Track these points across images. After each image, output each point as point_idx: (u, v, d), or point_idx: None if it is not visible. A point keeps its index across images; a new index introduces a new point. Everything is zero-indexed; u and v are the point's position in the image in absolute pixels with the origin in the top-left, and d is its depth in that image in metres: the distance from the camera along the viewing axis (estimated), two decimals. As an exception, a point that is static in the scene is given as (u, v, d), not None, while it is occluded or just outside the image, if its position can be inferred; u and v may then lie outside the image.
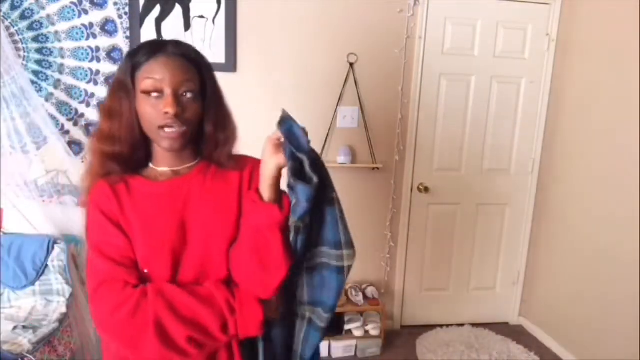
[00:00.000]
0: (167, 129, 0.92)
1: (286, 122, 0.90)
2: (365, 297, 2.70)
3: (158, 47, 0.94)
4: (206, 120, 0.99)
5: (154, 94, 0.92)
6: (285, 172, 0.91)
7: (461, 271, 2.95)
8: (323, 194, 0.91)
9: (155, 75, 0.91)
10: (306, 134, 0.91)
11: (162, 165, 1.01)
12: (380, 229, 2.79)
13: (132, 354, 0.89)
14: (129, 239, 0.94)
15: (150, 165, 1.02)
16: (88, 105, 2.40)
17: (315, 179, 0.86)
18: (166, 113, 0.91)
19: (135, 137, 0.96)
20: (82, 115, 2.41)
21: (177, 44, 0.96)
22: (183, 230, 0.96)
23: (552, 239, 2.79)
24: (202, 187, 1.00)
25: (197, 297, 0.91)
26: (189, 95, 0.94)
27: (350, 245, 0.94)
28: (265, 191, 0.93)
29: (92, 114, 2.41)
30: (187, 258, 0.96)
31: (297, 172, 0.88)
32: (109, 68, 2.39)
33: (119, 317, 0.88)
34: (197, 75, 0.96)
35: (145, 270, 0.94)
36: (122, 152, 0.96)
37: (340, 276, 0.94)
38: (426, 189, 2.78)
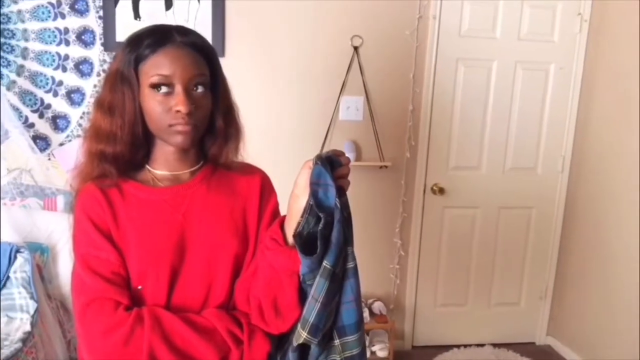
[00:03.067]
0: (176, 127, 0.94)
1: (316, 167, 0.88)
2: (371, 313, 2.70)
3: (163, 35, 0.94)
4: (216, 114, 1.01)
5: (163, 89, 0.93)
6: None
7: (481, 284, 2.95)
8: (339, 261, 0.89)
9: (164, 70, 0.93)
10: (343, 175, 0.90)
11: (161, 168, 1.03)
12: (389, 235, 2.79)
13: None
14: (121, 252, 0.96)
15: (147, 167, 1.03)
16: (55, 94, 2.40)
17: (318, 250, 0.87)
18: (178, 111, 0.93)
19: (138, 136, 0.97)
20: (48, 106, 2.41)
21: (182, 30, 0.97)
22: (182, 245, 0.98)
23: (585, 247, 2.79)
24: (206, 198, 1.02)
25: (197, 330, 0.93)
26: (200, 89, 0.96)
27: (358, 327, 0.93)
28: (291, 231, 0.92)
29: (59, 105, 2.41)
30: (185, 276, 0.98)
31: (312, 226, 0.89)
32: (79, 52, 2.39)
33: (110, 342, 0.90)
34: (207, 67, 0.98)
35: (139, 287, 0.96)
36: (121, 153, 0.97)
37: None
38: (441, 190, 2.78)
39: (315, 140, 2.58)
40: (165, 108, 0.93)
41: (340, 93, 2.58)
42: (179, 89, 0.93)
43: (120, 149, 0.97)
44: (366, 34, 2.55)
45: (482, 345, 2.94)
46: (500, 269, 2.95)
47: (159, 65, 0.93)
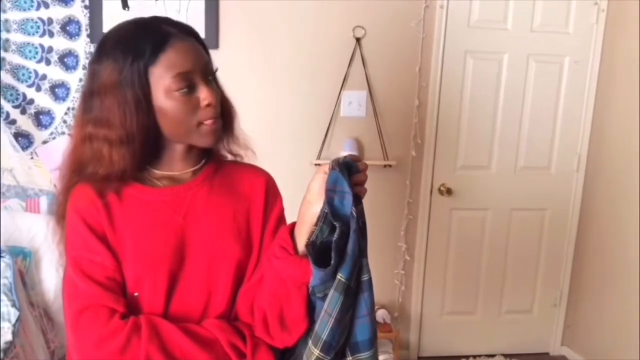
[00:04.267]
0: (207, 122, 0.95)
1: (333, 172, 0.88)
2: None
3: (157, 31, 0.94)
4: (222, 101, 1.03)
5: (184, 88, 0.93)
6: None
7: (491, 291, 2.95)
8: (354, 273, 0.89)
9: (183, 67, 0.92)
10: (360, 182, 0.90)
11: (162, 168, 1.02)
12: (393, 239, 2.79)
13: None
14: (117, 256, 0.95)
15: (147, 167, 1.02)
16: (38, 89, 2.40)
17: (332, 262, 0.86)
18: (208, 105, 0.94)
19: (151, 144, 0.97)
20: (31, 101, 2.40)
21: (169, 21, 0.98)
22: (181, 250, 0.98)
23: (602, 251, 2.78)
24: (207, 199, 1.02)
25: (197, 341, 0.93)
26: (210, 77, 0.98)
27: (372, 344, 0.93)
28: (302, 240, 0.92)
29: (43, 100, 2.41)
30: (184, 283, 0.98)
31: (326, 235, 0.89)
32: (63, 44, 2.38)
33: (104, 352, 0.90)
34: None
35: (136, 294, 0.96)
36: (132, 165, 0.97)
37: None
38: (449, 191, 2.78)
39: (314, 138, 2.58)
40: (191, 107, 0.93)
41: (341, 87, 2.58)
42: (199, 82, 0.94)
43: (131, 165, 0.95)
44: (369, 24, 2.55)
45: (492, 355, 2.93)
46: (512, 275, 2.95)
47: (174, 64, 0.92)
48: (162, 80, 0.92)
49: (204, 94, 0.93)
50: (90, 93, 0.96)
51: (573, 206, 2.91)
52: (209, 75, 0.96)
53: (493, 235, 2.89)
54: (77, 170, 0.98)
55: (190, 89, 0.93)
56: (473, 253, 2.90)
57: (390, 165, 2.66)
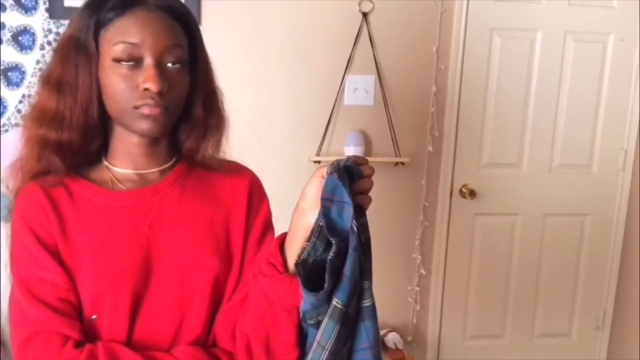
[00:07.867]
0: (143, 110, 0.94)
1: (330, 178, 0.86)
2: (384, 347, 2.69)
3: None
4: (194, 99, 1.02)
5: (128, 61, 0.93)
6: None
7: (522, 310, 2.95)
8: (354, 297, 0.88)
9: (132, 37, 0.92)
10: (364, 190, 0.88)
11: (122, 166, 1.03)
12: (407, 249, 2.79)
13: None
14: (71, 273, 0.95)
15: (105, 163, 1.03)
16: (-12, 73, 2.40)
17: (326, 285, 0.85)
18: (146, 90, 0.92)
19: (92, 120, 0.97)
20: (-21, 87, 2.40)
21: None
22: (147, 265, 0.98)
23: (651, 265, 2.78)
24: (179, 205, 1.02)
25: None
26: (176, 65, 0.96)
27: None
28: (294, 255, 0.91)
29: (-6, 86, 2.41)
30: (151, 304, 0.98)
31: (319, 253, 0.88)
32: (17, 20, 2.38)
33: None
34: (185, 38, 0.98)
35: (93, 317, 0.96)
36: (70, 141, 0.97)
37: None
38: (472, 193, 2.78)
39: (314, 131, 2.57)
40: (130, 85, 0.93)
41: (345, 71, 2.57)
42: (148, 61, 0.93)
43: (68, 136, 0.96)
44: (378, -3, 2.55)
45: (523, 386, 2.94)
46: (546, 292, 2.95)
47: (125, 31, 0.92)
48: (108, 46, 0.93)
49: (145, 76, 0.92)
50: (54, 48, 1.02)
51: (618, 211, 2.92)
52: (167, 60, 0.95)
53: (524, 245, 2.89)
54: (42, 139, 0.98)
55: (135, 65, 0.93)
56: (500, 266, 2.90)
57: (402, 163, 2.66)
